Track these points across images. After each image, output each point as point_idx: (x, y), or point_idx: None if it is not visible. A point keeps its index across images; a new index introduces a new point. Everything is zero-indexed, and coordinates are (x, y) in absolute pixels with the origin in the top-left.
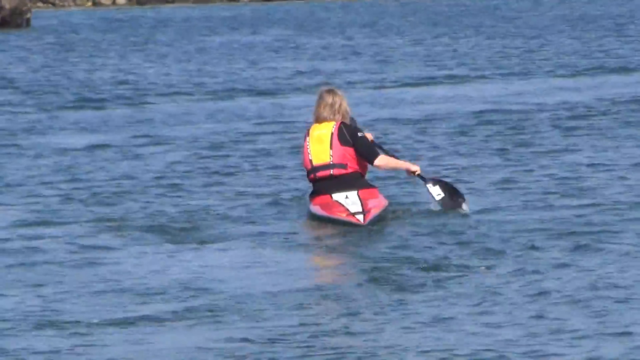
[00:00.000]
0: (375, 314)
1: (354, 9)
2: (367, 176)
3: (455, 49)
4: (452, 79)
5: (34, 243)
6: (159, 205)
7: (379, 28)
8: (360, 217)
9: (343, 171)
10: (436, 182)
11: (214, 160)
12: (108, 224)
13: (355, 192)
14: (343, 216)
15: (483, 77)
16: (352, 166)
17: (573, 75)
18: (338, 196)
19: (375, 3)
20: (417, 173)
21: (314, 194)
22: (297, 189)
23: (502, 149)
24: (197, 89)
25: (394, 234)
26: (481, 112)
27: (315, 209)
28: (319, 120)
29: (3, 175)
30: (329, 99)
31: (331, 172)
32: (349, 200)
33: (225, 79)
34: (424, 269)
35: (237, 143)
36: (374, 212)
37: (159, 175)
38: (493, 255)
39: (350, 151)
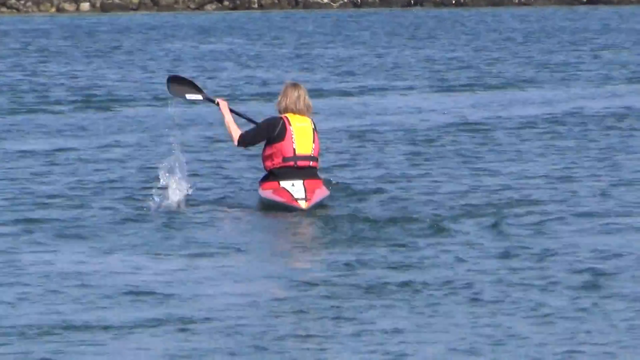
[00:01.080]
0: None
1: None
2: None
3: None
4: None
5: None
6: (113, 210)
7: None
8: (302, 202)
9: (316, 164)
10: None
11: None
12: (70, 228)
13: (301, 181)
14: (286, 200)
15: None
16: (318, 159)
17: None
18: (285, 183)
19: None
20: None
21: (264, 180)
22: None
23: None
24: (153, 95)
25: (333, 222)
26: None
27: (265, 193)
28: (286, 111)
29: None
30: (293, 92)
31: (310, 164)
32: (294, 188)
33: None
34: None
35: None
36: (315, 199)
37: (113, 179)
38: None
39: (319, 146)
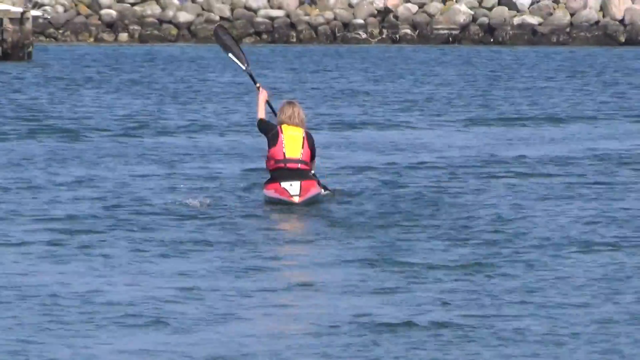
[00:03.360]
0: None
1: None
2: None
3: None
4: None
5: None
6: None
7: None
8: (296, 198)
9: (305, 167)
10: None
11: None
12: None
13: (299, 182)
14: (285, 197)
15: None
16: (309, 164)
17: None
18: (285, 184)
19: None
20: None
21: (268, 182)
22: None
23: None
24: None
25: (321, 213)
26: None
27: (268, 192)
28: (289, 123)
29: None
30: (289, 109)
31: (298, 166)
32: (292, 188)
33: (219, 118)
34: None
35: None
36: (307, 196)
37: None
38: None
39: (309, 153)
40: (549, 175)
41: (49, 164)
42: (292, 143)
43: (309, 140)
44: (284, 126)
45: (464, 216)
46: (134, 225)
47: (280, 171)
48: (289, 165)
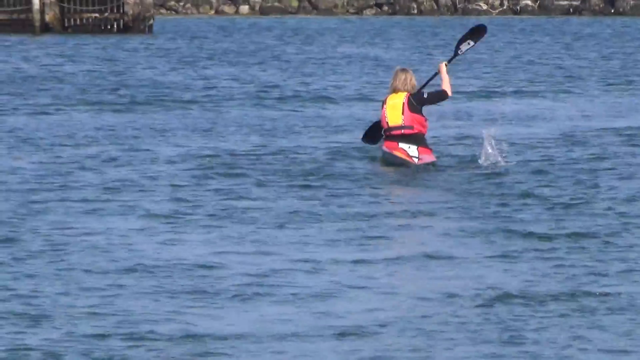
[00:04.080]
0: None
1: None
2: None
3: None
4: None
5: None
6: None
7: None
8: (415, 159)
9: (410, 131)
10: (460, 42)
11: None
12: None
13: (416, 146)
14: (404, 156)
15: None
16: (417, 128)
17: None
18: (403, 145)
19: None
20: (445, 64)
21: (386, 140)
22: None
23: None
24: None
25: (437, 180)
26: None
27: (386, 149)
28: (395, 91)
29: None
30: (402, 75)
31: (402, 132)
32: (410, 149)
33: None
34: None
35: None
36: (425, 160)
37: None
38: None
39: (416, 117)
40: None
41: (167, 135)
42: (392, 111)
43: (411, 103)
44: (389, 96)
45: (583, 188)
46: (249, 196)
47: (390, 138)
48: (393, 132)
